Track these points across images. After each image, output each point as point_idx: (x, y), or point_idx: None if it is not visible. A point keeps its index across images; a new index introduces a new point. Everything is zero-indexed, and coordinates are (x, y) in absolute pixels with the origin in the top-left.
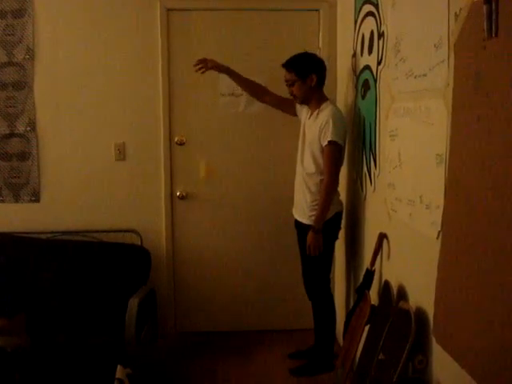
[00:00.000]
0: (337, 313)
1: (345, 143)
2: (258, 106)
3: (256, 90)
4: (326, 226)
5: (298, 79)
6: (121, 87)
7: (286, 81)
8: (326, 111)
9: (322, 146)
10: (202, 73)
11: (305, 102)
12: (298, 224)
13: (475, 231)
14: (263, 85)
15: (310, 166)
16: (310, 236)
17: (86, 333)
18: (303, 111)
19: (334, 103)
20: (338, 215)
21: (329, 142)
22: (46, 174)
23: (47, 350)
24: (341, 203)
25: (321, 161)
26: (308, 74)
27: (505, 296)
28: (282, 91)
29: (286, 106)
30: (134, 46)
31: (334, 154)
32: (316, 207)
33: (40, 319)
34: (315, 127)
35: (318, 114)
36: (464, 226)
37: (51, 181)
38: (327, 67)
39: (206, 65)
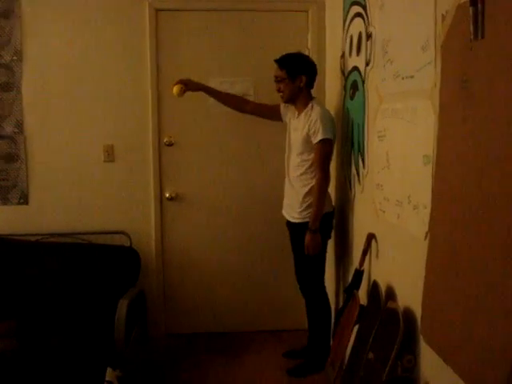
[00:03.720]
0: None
1: (335, 138)
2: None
3: (236, 103)
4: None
5: (288, 78)
6: (109, 88)
7: (276, 76)
8: (314, 111)
9: (310, 145)
10: (180, 96)
11: (289, 101)
12: (289, 224)
13: (462, 231)
14: (246, 94)
15: (298, 167)
16: (307, 236)
17: (75, 335)
18: (288, 113)
19: (321, 102)
20: (329, 215)
21: (319, 140)
22: (34, 176)
23: (36, 352)
24: (331, 204)
25: (309, 161)
26: (298, 74)
27: (491, 296)
28: (271, 92)
29: (269, 113)
30: (123, 46)
31: (325, 151)
32: (307, 206)
33: (29, 321)
34: (303, 126)
35: (305, 113)
36: (451, 226)
37: (40, 183)
38: (317, 67)
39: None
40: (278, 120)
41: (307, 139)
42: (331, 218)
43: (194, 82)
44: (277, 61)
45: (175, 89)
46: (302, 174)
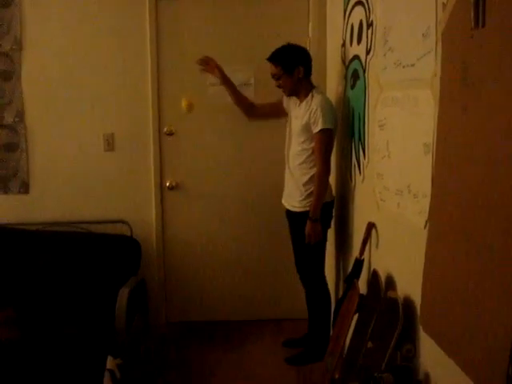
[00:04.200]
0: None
1: (336, 127)
2: (247, 95)
3: (247, 106)
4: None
5: (285, 73)
6: (109, 77)
7: (273, 75)
8: (315, 100)
9: (311, 133)
10: (201, 73)
11: (293, 93)
12: (289, 213)
13: (462, 221)
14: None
15: (298, 156)
16: (308, 225)
17: (76, 324)
18: (290, 104)
19: (322, 91)
20: (329, 204)
21: (320, 130)
22: (34, 165)
23: (37, 341)
24: (331, 193)
25: (309, 150)
26: (295, 66)
27: (490, 285)
28: (271, 81)
29: (275, 110)
30: (123, 35)
31: (326, 141)
32: (308, 195)
33: (30, 310)
34: (304, 116)
35: (307, 102)
36: (451, 215)
37: (40, 172)
38: (316, 57)
39: (207, 67)
40: (285, 115)
41: (307, 128)
42: (331, 208)
43: (219, 67)
44: (270, 59)
45: (183, 103)
46: (302, 163)
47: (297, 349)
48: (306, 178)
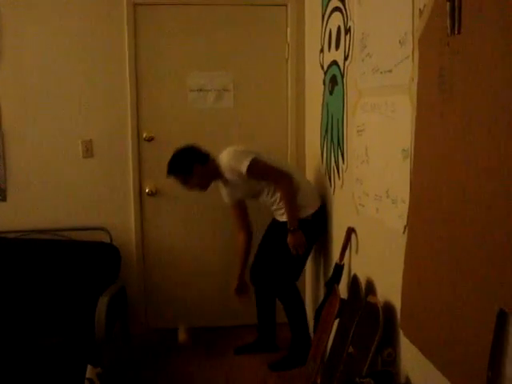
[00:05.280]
0: (307, 305)
1: (252, 153)
2: (226, 101)
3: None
4: (306, 227)
5: (188, 177)
6: (87, 83)
7: (182, 184)
8: (222, 165)
9: (248, 180)
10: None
11: (208, 185)
12: (275, 223)
13: (440, 225)
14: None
15: (267, 201)
16: (289, 238)
17: (56, 332)
18: (222, 190)
19: (219, 155)
20: (317, 213)
21: (247, 170)
22: (12, 172)
23: (15, 349)
24: (315, 202)
25: (263, 188)
26: (191, 167)
27: (469, 289)
28: (250, 86)
29: (244, 210)
30: (101, 41)
31: (259, 168)
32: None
33: (8, 318)
34: (233, 180)
35: (225, 175)
36: (429, 220)
37: (18, 179)
38: (295, 63)
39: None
40: (254, 198)
41: (245, 181)
42: (318, 219)
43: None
44: (169, 174)
45: (180, 336)
46: (274, 202)
47: (279, 354)
48: (277, 205)
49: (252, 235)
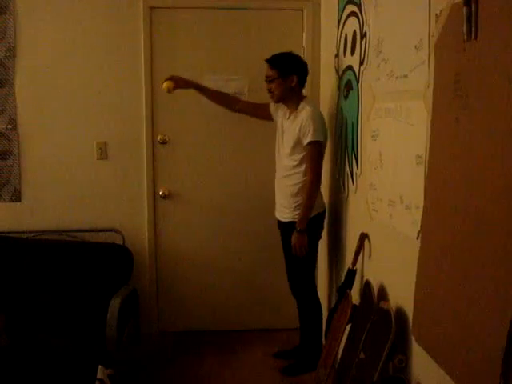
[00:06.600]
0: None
1: (326, 138)
2: None
3: (226, 101)
4: (309, 226)
5: (279, 77)
6: (103, 86)
7: (267, 76)
8: (304, 111)
9: (301, 146)
10: (170, 92)
11: (280, 100)
12: (280, 224)
13: (454, 232)
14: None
15: (288, 167)
16: (294, 236)
17: (67, 333)
18: (279, 112)
19: (312, 103)
20: (320, 215)
21: (309, 142)
22: (27, 173)
23: (27, 349)
24: (323, 204)
25: (298, 161)
26: (290, 74)
27: (482, 297)
28: (265, 91)
29: (260, 112)
30: (117, 44)
31: (315, 153)
32: (297, 206)
33: (21, 319)
34: (294, 127)
35: (296, 113)
36: (443, 226)
37: (32, 180)
38: (311, 67)
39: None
40: (269, 119)
41: (297, 140)
42: (322, 219)
43: (184, 79)
44: (268, 61)
45: (165, 85)
46: (291, 174)
47: (289, 360)
48: (295, 189)
49: (240, 106)
